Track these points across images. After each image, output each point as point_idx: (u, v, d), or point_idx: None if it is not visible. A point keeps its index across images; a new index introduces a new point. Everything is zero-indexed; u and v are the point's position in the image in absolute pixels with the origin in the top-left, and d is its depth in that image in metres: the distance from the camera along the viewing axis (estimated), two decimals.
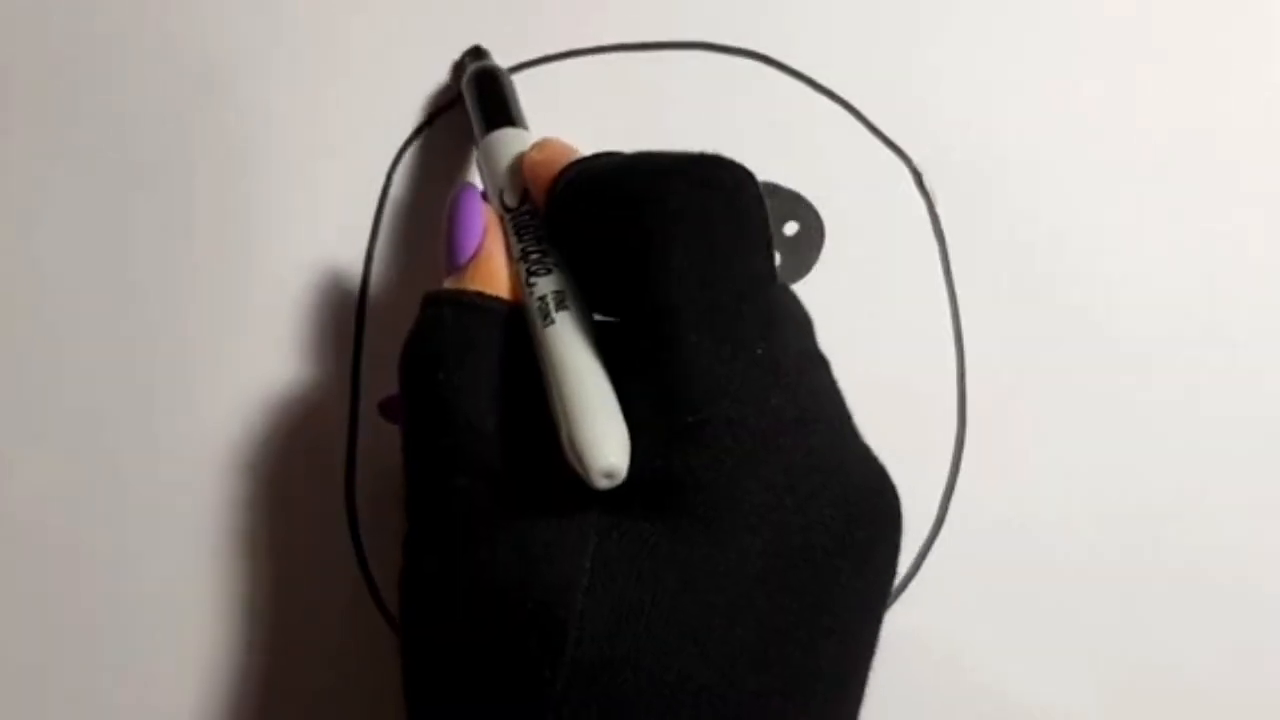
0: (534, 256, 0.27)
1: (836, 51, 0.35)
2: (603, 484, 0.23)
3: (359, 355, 0.34)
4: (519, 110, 0.32)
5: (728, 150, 0.34)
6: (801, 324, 0.27)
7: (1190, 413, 0.34)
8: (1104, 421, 0.34)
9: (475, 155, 0.32)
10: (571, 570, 0.23)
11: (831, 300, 0.34)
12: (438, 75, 0.35)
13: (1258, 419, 0.34)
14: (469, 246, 0.28)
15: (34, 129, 0.35)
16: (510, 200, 0.29)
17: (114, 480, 0.34)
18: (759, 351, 0.24)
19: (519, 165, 0.29)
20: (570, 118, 0.35)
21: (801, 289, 0.34)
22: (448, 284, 0.28)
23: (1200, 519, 0.34)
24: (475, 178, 0.33)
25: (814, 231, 0.34)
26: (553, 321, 0.26)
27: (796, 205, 0.35)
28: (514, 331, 0.27)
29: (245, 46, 0.35)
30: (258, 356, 0.34)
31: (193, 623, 0.33)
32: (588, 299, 0.27)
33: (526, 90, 0.34)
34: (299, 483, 0.34)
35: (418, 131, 0.35)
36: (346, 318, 0.34)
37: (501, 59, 0.35)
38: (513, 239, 0.28)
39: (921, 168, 0.35)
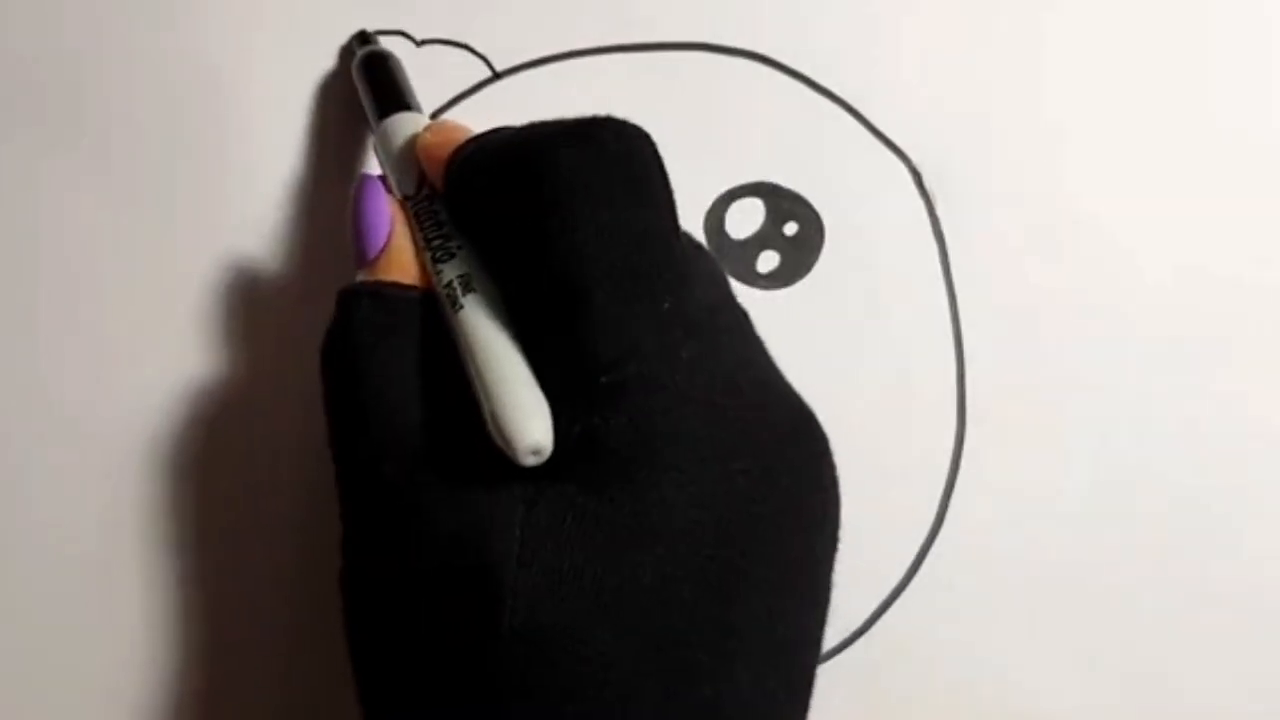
0: (436, 243, 0.27)
1: (836, 52, 0.35)
2: (530, 461, 0.23)
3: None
4: (412, 94, 0.32)
5: (728, 150, 0.35)
6: (712, 276, 0.27)
7: (1190, 414, 0.34)
8: (1103, 422, 0.34)
9: (371, 142, 0.32)
10: (504, 543, 0.23)
11: (831, 300, 0.34)
12: (416, 72, 0.35)
13: (1257, 420, 0.35)
14: (378, 239, 0.28)
15: (30, 138, 0.35)
16: (408, 187, 0.29)
17: (103, 483, 0.34)
18: (666, 306, 0.24)
19: (413, 150, 0.29)
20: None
21: (801, 289, 0.35)
22: (360, 278, 0.28)
23: (1199, 521, 0.34)
24: (373, 166, 0.33)
25: (813, 232, 0.35)
26: (462, 306, 0.26)
27: (796, 205, 0.35)
28: (429, 319, 0.27)
29: (238, 47, 0.35)
30: (248, 361, 0.34)
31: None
32: (494, 275, 0.26)
33: (522, 94, 0.34)
34: (296, 483, 0.33)
35: None
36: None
37: (498, 61, 0.35)
38: (415, 226, 0.28)
39: (921, 169, 0.35)
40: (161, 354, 0.34)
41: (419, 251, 0.28)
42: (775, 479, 0.24)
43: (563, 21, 0.35)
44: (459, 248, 0.27)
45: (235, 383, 0.34)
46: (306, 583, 0.33)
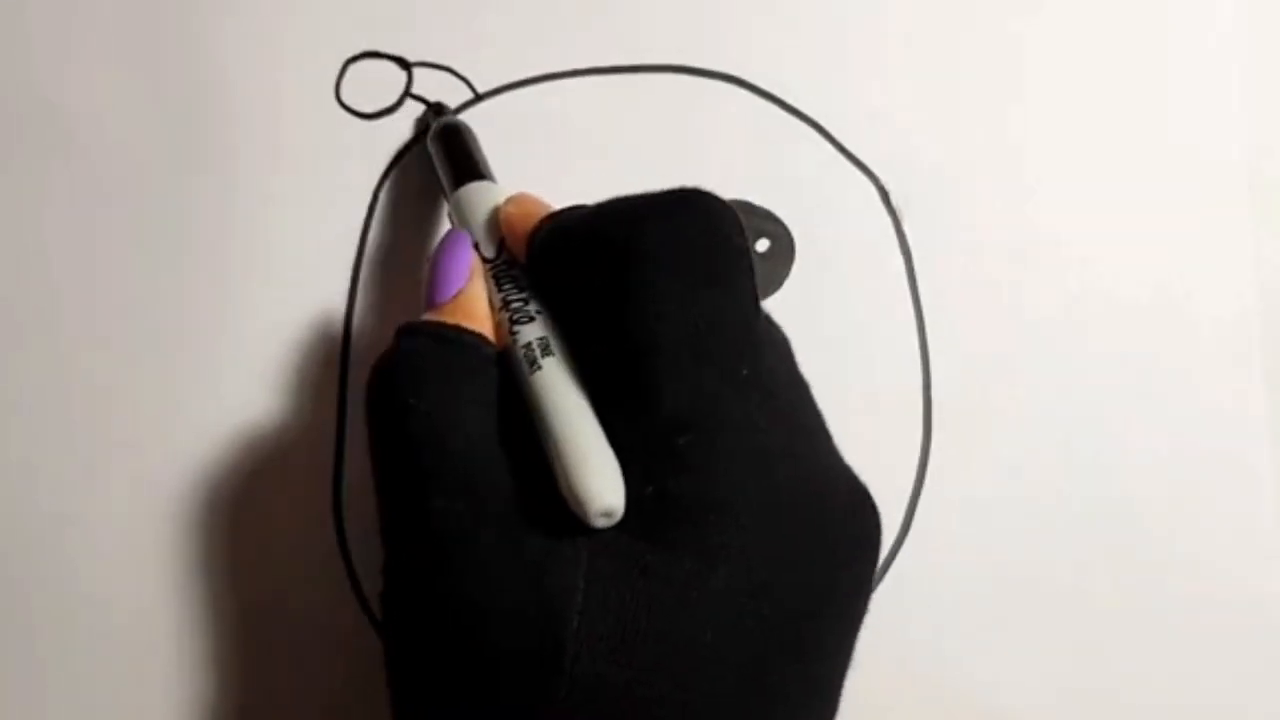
0: (515, 305, 0.28)
1: (807, 74, 0.36)
2: (601, 523, 0.24)
3: (344, 386, 0.35)
4: (485, 163, 0.33)
5: (702, 169, 0.35)
6: (781, 347, 0.27)
7: (1152, 421, 0.35)
8: (1066, 431, 0.35)
9: (446, 209, 0.33)
10: (566, 588, 0.23)
11: (802, 314, 0.35)
12: (414, 110, 0.36)
13: (1215, 430, 0.35)
14: (454, 284, 0.29)
15: (26, 156, 0.36)
16: (488, 252, 0.30)
17: (101, 508, 0.34)
18: (744, 373, 0.25)
19: (494, 218, 0.30)
20: (546, 142, 0.36)
21: (773, 303, 0.35)
22: (426, 318, 0.28)
23: (1160, 525, 0.35)
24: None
25: (785, 248, 0.35)
26: (540, 368, 0.26)
27: (768, 223, 0.35)
28: (490, 369, 0.27)
29: (229, 69, 0.36)
30: (243, 388, 0.35)
31: (183, 650, 0.34)
32: (570, 341, 0.27)
33: (503, 115, 0.35)
34: (287, 514, 0.34)
35: (403, 152, 0.36)
36: (332, 349, 0.35)
37: (479, 84, 0.36)
38: (493, 288, 0.29)
39: (888, 187, 0.36)
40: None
41: (494, 311, 0.28)
42: (835, 553, 0.25)
43: (543, 45, 0.36)
44: (538, 312, 0.28)
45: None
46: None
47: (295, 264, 0.35)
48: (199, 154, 0.35)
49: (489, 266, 0.29)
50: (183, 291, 0.35)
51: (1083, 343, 0.35)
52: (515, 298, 0.28)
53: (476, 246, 0.30)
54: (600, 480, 0.24)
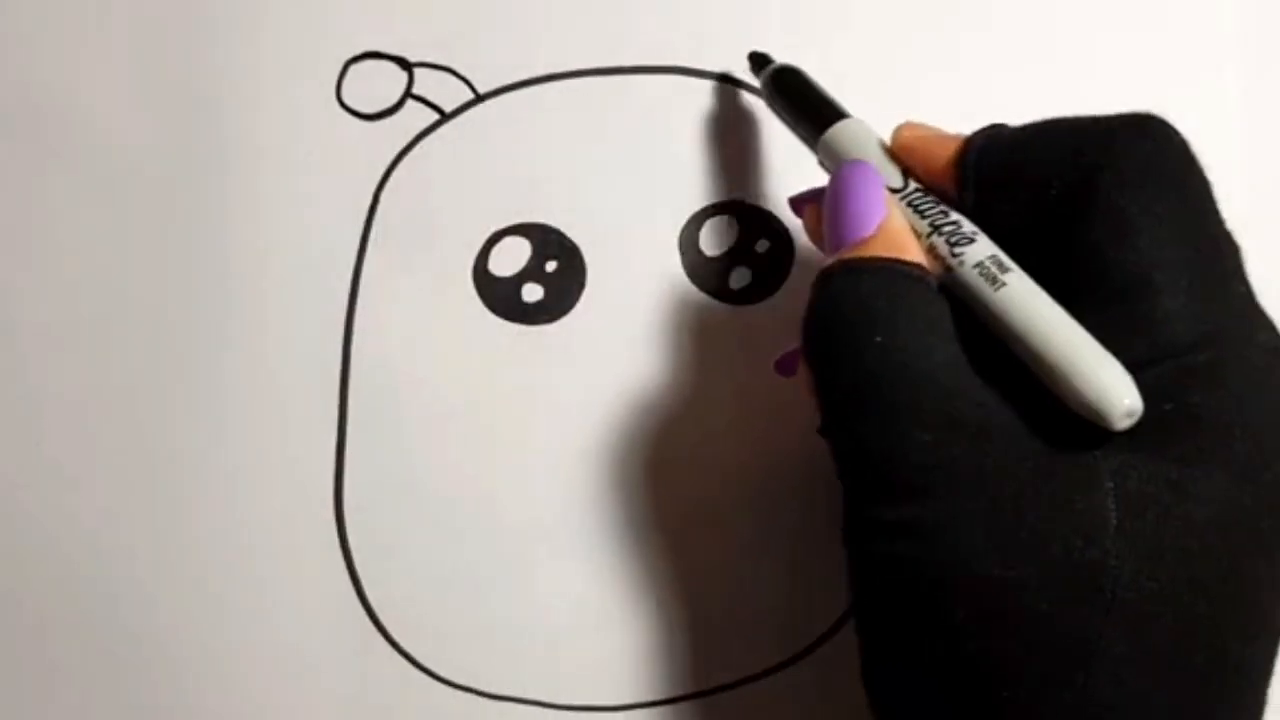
0: (948, 229, 0.26)
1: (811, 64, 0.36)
2: (1125, 424, 0.23)
3: (345, 386, 0.35)
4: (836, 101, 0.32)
5: (702, 169, 0.35)
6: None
7: None
8: None
9: (817, 156, 0.31)
10: (1097, 511, 0.23)
11: (800, 315, 0.35)
12: (414, 110, 0.36)
13: None
14: (873, 217, 0.27)
15: (30, 157, 0.36)
16: (893, 182, 0.28)
17: (100, 507, 0.35)
18: (1242, 289, 0.25)
19: (881, 150, 0.29)
20: (546, 142, 0.36)
21: (773, 304, 0.35)
22: (852, 255, 0.27)
23: None
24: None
25: (784, 248, 0.35)
26: (1004, 284, 0.25)
27: (768, 223, 0.36)
28: (940, 300, 0.26)
29: (229, 70, 0.36)
30: (243, 388, 0.35)
31: (182, 650, 0.34)
32: (1025, 258, 0.26)
33: (503, 115, 0.35)
34: (287, 514, 0.35)
35: (404, 151, 0.36)
36: (332, 350, 0.35)
37: (479, 84, 0.36)
38: (914, 217, 0.27)
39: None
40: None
41: (920, 238, 0.27)
42: None
43: (543, 45, 0.36)
44: (975, 233, 0.26)
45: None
46: None
47: (295, 264, 0.35)
48: (199, 154, 0.36)
49: (899, 196, 0.28)
50: (183, 291, 0.35)
51: None
52: (945, 222, 0.27)
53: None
54: (1116, 380, 0.23)
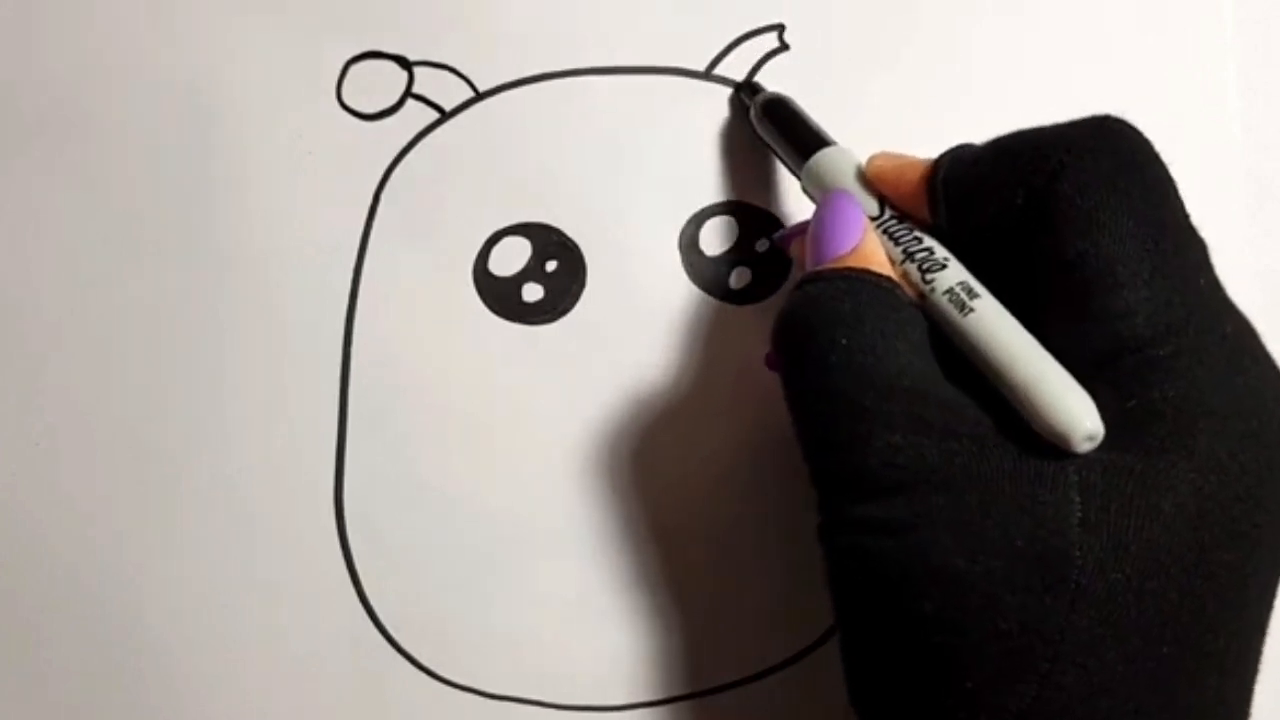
0: (921, 255, 0.28)
1: (802, 80, 0.36)
2: (1085, 448, 0.24)
3: (345, 386, 0.35)
4: (823, 130, 0.33)
5: (701, 170, 0.35)
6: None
7: None
8: None
9: (801, 181, 0.32)
10: (1061, 504, 0.23)
11: None
12: (414, 110, 0.36)
13: None
14: (850, 239, 0.28)
15: (34, 155, 0.36)
16: (870, 210, 0.29)
17: (99, 507, 0.35)
18: (1202, 281, 0.25)
19: (860, 178, 0.30)
20: (546, 142, 0.36)
21: (773, 305, 0.35)
22: (819, 268, 0.28)
23: None
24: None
25: (783, 251, 0.35)
26: (972, 310, 0.26)
27: (767, 223, 0.36)
28: (915, 314, 0.27)
29: (229, 70, 0.36)
30: (243, 388, 0.35)
31: (182, 650, 0.34)
32: (991, 278, 0.27)
33: (503, 115, 0.35)
34: (287, 514, 0.35)
35: (403, 153, 0.36)
36: (332, 349, 0.35)
37: (479, 84, 0.36)
38: (888, 244, 0.28)
39: None
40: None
41: (894, 264, 0.28)
42: None
43: (543, 45, 0.36)
44: (946, 259, 0.27)
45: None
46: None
47: (295, 264, 0.35)
48: (199, 154, 0.36)
49: (876, 224, 0.29)
50: (183, 291, 0.35)
51: None
52: (919, 249, 0.28)
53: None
54: (1075, 405, 0.24)
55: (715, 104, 0.36)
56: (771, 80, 0.36)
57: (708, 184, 0.36)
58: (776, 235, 0.35)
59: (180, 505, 0.35)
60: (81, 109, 0.36)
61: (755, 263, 0.35)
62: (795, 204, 0.36)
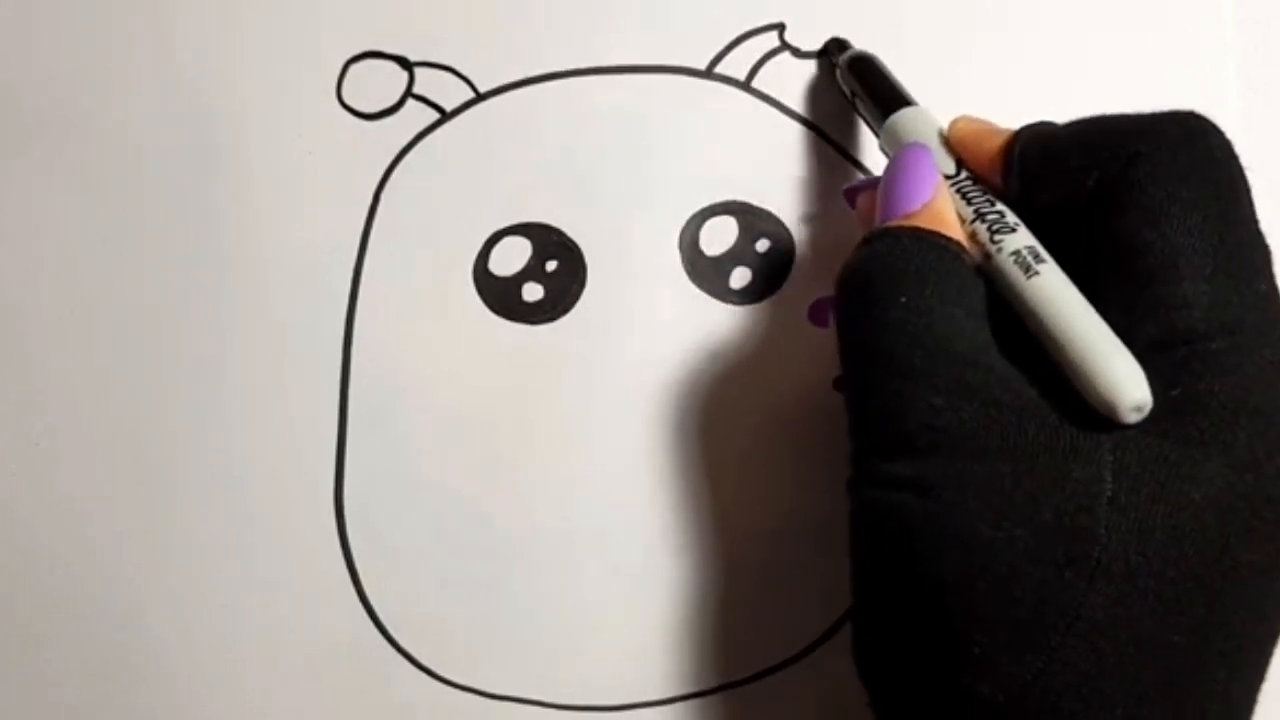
0: (992, 217, 0.28)
1: (807, 78, 0.36)
2: (1133, 418, 0.24)
3: (345, 386, 0.35)
4: (905, 89, 0.33)
5: (703, 169, 0.36)
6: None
7: None
8: None
9: (879, 139, 0.32)
10: (1093, 482, 0.24)
11: (802, 315, 0.35)
12: (414, 110, 0.36)
13: None
14: (921, 196, 0.28)
15: (34, 155, 0.36)
16: (946, 169, 0.29)
17: (98, 507, 0.35)
18: (1263, 286, 0.25)
19: (940, 139, 0.30)
20: (546, 141, 0.36)
21: (773, 304, 0.35)
22: (889, 224, 0.28)
23: None
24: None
25: (785, 249, 0.35)
26: (1036, 273, 0.26)
27: (768, 223, 0.36)
28: (975, 279, 0.27)
29: (229, 69, 0.36)
30: (243, 388, 0.35)
31: (182, 649, 0.34)
32: (1058, 248, 0.27)
33: (503, 115, 0.35)
34: (287, 514, 0.35)
35: (403, 153, 0.36)
36: (332, 349, 0.35)
37: (480, 84, 0.36)
38: (960, 203, 0.28)
39: None
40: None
41: (964, 224, 0.28)
42: None
43: (543, 45, 0.36)
44: (1016, 223, 0.27)
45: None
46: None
47: (295, 264, 0.35)
48: (199, 154, 0.36)
49: (950, 183, 0.29)
50: (183, 291, 0.35)
51: None
52: (990, 211, 0.28)
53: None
54: (1127, 375, 0.24)
55: (716, 103, 0.36)
56: (772, 80, 0.36)
57: (708, 184, 0.36)
58: (846, 186, 0.35)
59: (180, 505, 0.35)
60: (81, 109, 0.36)
61: (756, 263, 0.35)
62: (800, 205, 0.36)
